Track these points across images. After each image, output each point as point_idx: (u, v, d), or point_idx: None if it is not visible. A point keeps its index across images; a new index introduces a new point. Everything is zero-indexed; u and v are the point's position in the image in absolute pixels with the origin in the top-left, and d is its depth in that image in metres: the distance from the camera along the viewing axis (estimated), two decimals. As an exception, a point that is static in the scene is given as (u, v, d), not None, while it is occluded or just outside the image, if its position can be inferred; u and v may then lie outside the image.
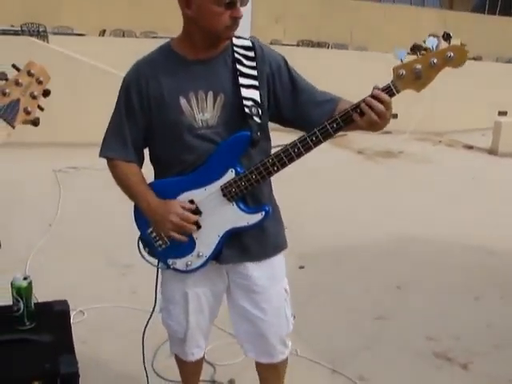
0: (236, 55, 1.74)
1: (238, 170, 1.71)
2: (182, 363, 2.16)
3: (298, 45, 14.56)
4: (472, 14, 19.37)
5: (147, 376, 2.21)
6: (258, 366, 2.11)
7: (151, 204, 1.77)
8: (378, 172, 6.79)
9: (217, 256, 1.82)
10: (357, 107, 1.61)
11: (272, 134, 1.88)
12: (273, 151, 1.76)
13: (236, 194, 1.72)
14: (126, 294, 3.28)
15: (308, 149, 1.65)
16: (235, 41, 1.76)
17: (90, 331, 2.80)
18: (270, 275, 1.91)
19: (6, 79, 1.44)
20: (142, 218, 1.83)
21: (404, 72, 1.58)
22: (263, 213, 1.75)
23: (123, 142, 1.79)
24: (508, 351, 2.91)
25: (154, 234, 1.83)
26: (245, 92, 1.71)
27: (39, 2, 12.50)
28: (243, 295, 1.92)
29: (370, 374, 2.65)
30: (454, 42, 1.57)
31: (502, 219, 5.04)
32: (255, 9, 10.12)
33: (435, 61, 1.56)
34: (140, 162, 1.85)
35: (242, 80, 1.72)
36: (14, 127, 1.44)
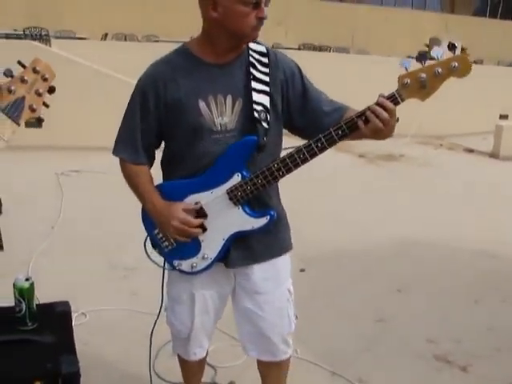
0: (251, 59, 1.76)
1: (244, 174, 1.72)
2: (184, 363, 2.17)
3: (299, 48, 14.61)
4: (473, 18, 19.42)
5: (151, 378, 2.21)
6: (260, 364, 2.11)
7: (156, 206, 1.79)
8: (379, 175, 6.79)
9: (223, 258, 1.83)
10: (362, 114, 1.63)
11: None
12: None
13: (242, 198, 1.73)
14: (127, 297, 3.29)
15: (313, 155, 1.67)
16: (251, 45, 1.78)
17: (92, 333, 2.81)
18: (274, 276, 1.93)
19: (12, 76, 1.45)
20: (148, 218, 1.85)
21: (409, 81, 1.59)
22: (268, 217, 1.76)
23: (135, 145, 1.80)
24: (508, 354, 2.90)
25: (161, 235, 1.85)
26: (256, 96, 1.73)
27: (42, 7, 12.57)
28: (247, 297, 1.93)
29: (370, 376, 2.66)
30: (458, 49, 1.58)
31: (502, 223, 5.03)
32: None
33: (440, 70, 1.57)
34: (150, 163, 1.87)
35: (254, 84, 1.73)
36: (19, 125, 1.45)
